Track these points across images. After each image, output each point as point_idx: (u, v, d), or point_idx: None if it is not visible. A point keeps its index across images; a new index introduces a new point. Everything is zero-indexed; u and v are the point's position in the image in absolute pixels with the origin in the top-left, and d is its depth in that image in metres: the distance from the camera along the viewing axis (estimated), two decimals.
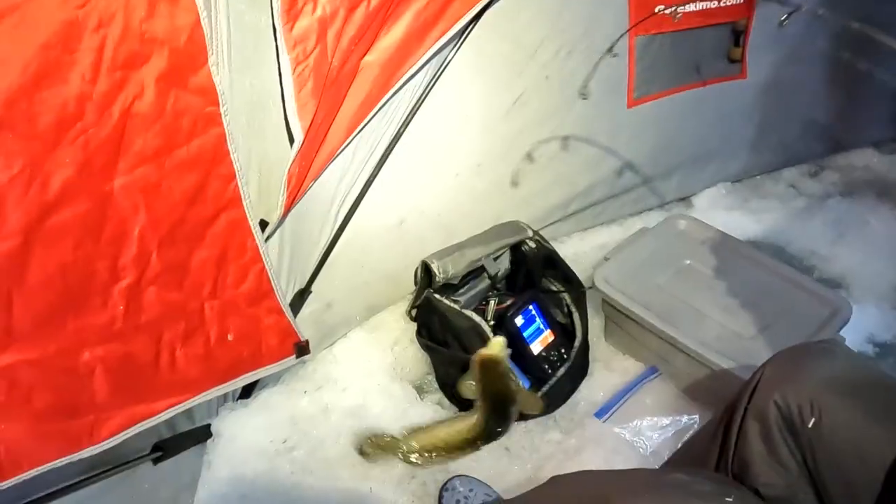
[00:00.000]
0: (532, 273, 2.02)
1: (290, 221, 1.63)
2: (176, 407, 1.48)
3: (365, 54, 1.51)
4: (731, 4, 2.22)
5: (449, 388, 1.93)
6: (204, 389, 1.52)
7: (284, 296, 1.62)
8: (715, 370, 1.75)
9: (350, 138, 1.62)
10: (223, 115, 1.30)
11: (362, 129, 1.65)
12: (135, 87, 1.16)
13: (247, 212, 1.42)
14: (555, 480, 1.15)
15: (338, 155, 1.64)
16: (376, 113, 1.65)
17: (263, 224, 1.52)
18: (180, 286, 1.38)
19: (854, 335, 2.08)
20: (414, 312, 1.99)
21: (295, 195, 1.53)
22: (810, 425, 1.05)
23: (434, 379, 2.00)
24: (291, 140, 1.43)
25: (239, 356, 1.55)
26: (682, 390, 1.93)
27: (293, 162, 1.44)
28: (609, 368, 2.03)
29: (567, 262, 2.11)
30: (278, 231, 1.61)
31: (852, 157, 2.90)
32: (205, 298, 1.44)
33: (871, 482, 0.98)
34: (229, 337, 1.50)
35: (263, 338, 1.59)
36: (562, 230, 2.38)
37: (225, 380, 1.55)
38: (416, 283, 1.99)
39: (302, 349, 1.67)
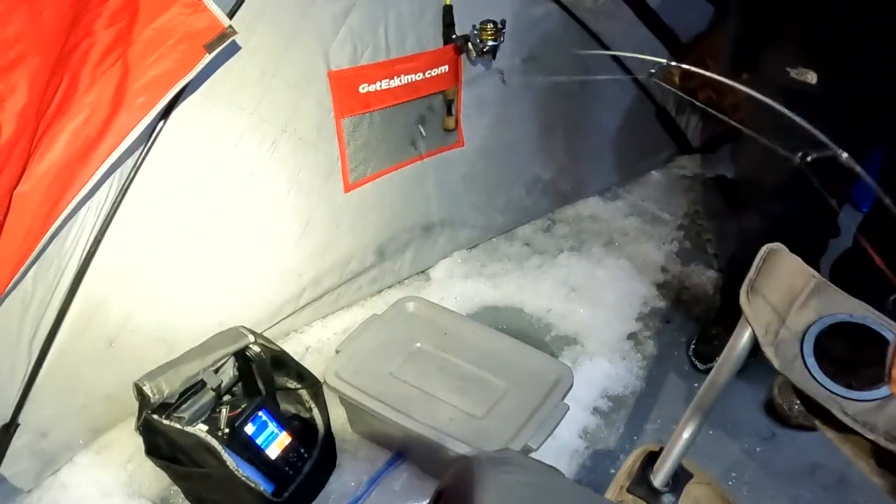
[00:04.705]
0: (261, 377, 1.95)
1: None
2: None
3: (15, 185, 1.38)
4: (437, 75, 2.23)
5: (197, 499, 1.86)
6: None
7: None
8: (452, 454, 1.74)
9: (21, 272, 1.51)
10: None
11: (35, 260, 1.54)
12: None
13: None
14: None
15: (9, 291, 1.52)
16: (50, 241, 1.54)
17: None
18: None
19: (589, 391, 2.18)
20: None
21: None
22: None
23: (180, 490, 1.91)
24: None
25: None
26: (427, 473, 1.94)
27: None
28: (357, 458, 2.01)
29: (311, 350, 2.05)
30: None
31: (580, 208, 3.04)
32: None
33: None
34: None
35: None
36: (300, 320, 2.32)
37: None
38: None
39: None
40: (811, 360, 1.02)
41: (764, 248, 1.15)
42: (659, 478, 1.28)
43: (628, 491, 1.30)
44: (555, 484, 1.11)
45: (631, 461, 1.35)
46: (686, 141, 3.30)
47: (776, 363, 1.05)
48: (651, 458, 1.31)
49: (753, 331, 1.10)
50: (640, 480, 1.31)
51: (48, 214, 1.48)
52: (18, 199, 1.41)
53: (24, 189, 1.41)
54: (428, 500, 1.14)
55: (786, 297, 1.08)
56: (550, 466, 1.14)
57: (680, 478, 1.29)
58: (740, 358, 1.15)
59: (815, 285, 1.09)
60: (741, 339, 1.13)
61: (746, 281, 1.12)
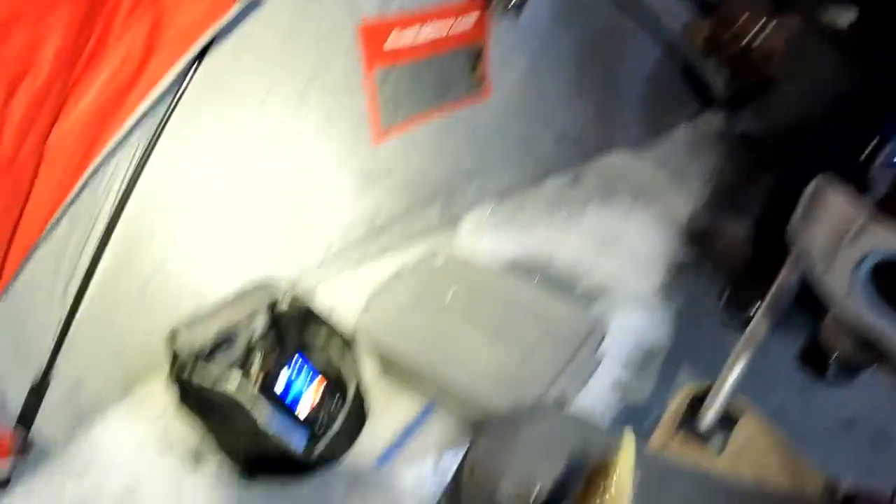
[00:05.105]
0: (292, 330, 1.95)
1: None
2: None
3: (50, 129, 1.38)
4: (465, 27, 2.21)
5: (229, 452, 1.86)
6: None
7: None
8: (486, 402, 1.75)
9: (55, 219, 1.50)
10: None
11: (69, 206, 1.53)
12: None
13: None
14: None
15: (42, 241, 1.52)
16: (83, 187, 1.53)
17: None
18: None
19: (621, 344, 2.15)
20: None
21: None
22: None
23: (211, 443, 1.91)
24: None
25: None
26: (460, 425, 1.93)
27: None
28: (389, 408, 2.00)
29: (341, 303, 2.03)
30: None
31: (608, 161, 3.00)
32: None
33: None
34: None
35: None
36: (331, 271, 2.30)
37: None
38: None
39: None
40: (866, 293, 1.01)
41: (813, 183, 1.13)
42: (707, 418, 1.26)
43: (677, 430, 1.29)
44: (572, 427, 1.10)
45: (678, 401, 1.34)
46: (712, 96, 3.26)
47: (828, 298, 1.03)
48: (699, 400, 1.30)
49: (803, 266, 1.08)
50: (688, 420, 1.29)
51: (82, 160, 1.47)
52: (53, 144, 1.40)
53: (58, 134, 1.40)
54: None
55: (836, 232, 1.06)
56: (570, 415, 1.13)
57: (729, 417, 1.28)
58: (790, 294, 1.14)
59: (865, 219, 1.07)
60: (791, 275, 1.12)
61: (796, 216, 1.10)
